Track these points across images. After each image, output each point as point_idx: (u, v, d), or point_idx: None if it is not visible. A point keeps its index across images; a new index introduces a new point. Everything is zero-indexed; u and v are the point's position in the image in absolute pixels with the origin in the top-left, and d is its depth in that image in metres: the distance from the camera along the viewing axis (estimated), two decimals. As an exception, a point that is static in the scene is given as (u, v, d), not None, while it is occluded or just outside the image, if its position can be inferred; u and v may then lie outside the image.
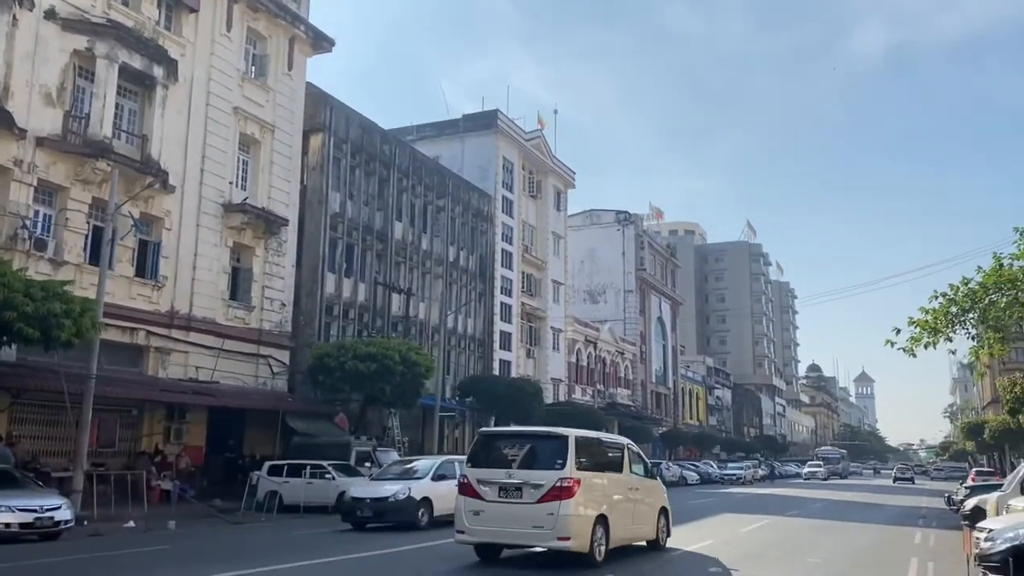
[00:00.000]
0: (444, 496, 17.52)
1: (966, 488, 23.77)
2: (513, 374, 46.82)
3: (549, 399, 51.00)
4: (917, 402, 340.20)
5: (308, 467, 22.92)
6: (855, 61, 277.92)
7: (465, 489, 12.19)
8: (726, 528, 18.37)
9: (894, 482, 63.76)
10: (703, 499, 32.52)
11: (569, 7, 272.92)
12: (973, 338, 22.71)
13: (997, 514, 15.35)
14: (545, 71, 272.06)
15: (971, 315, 21.35)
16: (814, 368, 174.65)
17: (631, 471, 13.66)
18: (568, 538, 11.43)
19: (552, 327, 53.21)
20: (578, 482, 11.66)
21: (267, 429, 28.32)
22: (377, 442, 27.53)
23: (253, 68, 30.38)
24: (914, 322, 21.31)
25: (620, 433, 60.77)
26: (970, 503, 19.73)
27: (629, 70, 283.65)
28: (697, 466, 56.38)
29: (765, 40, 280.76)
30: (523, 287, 50.03)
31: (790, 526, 20.05)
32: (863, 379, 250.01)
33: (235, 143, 28.87)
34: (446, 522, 15.27)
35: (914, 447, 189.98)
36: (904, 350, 21.55)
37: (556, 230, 55.57)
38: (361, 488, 19.12)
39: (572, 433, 12.48)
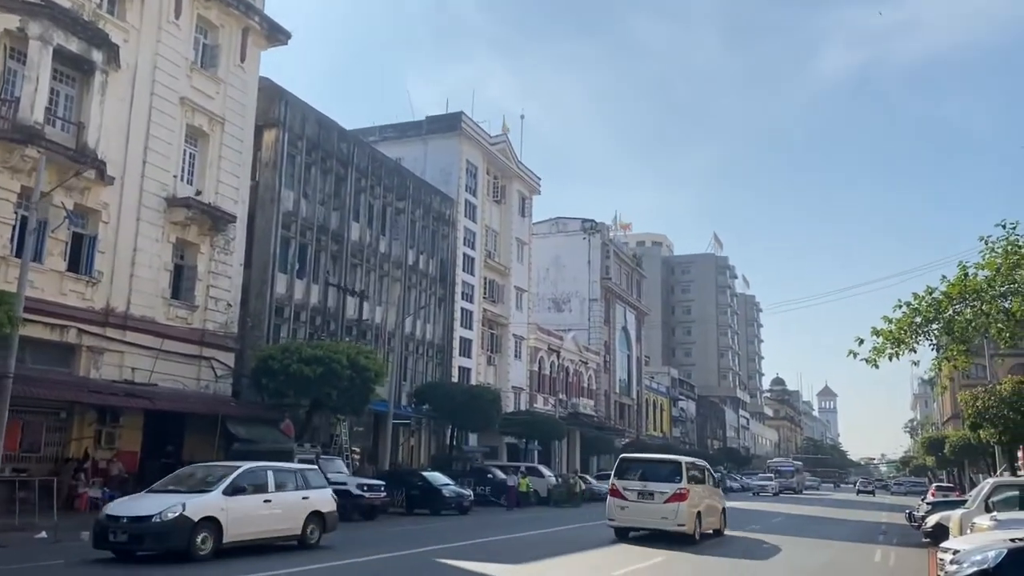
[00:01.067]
0: (243, 517, 14.10)
1: (927, 504, 23.22)
2: (473, 382, 45.81)
3: (510, 407, 50.13)
4: (879, 417, 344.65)
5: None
6: (820, 81, 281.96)
7: (614, 493, 18.86)
8: (681, 542, 17.51)
9: (857, 494, 75.78)
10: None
11: (542, 18, 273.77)
12: (937, 349, 22.19)
13: (961, 532, 14.68)
14: (517, 81, 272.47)
15: (935, 325, 20.84)
16: (778, 381, 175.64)
17: (708, 484, 20.55)
18: (684, 525, 17.88)
19: (514, 334, 52.31)
20: (688, 491, 18.17)
21: (209, 435, 26.95)
22: (323, 450, 26.34)
23: (203, 58, 29.14)
24: (877, 332, 20.73)
25: (581, 443, 60.53)
26: (932, 520, 19.13)
27: (601, 82, 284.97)
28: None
29: (734, 57, 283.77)
30: (485, 293, 49.09)
31: (743, 537, 19.25)
32: (826, 393, 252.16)
33: (181, 135, 27.60)
34: (242, 550, 13.58)
35: (875, 461, 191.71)
36: (867, 361, 20.94)
37: (520, 236, 54.75)
38: (120, 504, 14.50)
39: (683, 460, 19.65)
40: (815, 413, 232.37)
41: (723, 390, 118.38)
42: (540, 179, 57.03)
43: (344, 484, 23.21)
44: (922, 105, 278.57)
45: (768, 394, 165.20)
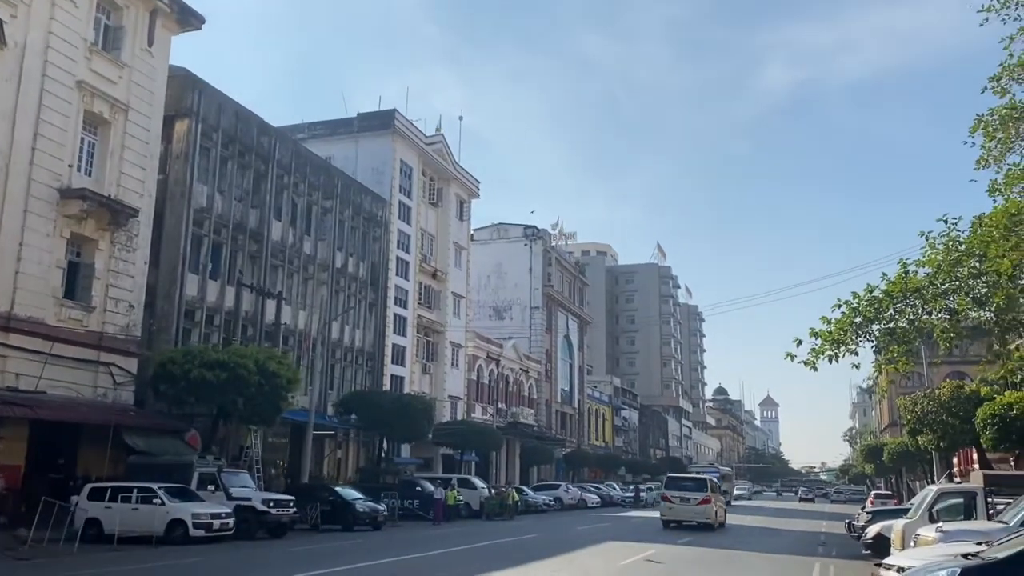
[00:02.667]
0: None
1: (867, 513, 22.22)
2: (407, 390, 43.96)
3: (446, 417, 48.38)
4: (819, 427, 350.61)
5: (135, 491, 19.70)
6: (762, 97, 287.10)
7: (665, 499, 29.73)
8: (602, 561, 16.08)
9: (799, 501, 79.26)
10: (596, 524, 30.45)
11: (492, 32, 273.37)
12: (878, 351, 21.22)
13: (903, 544, 13.52)
14: (465, 92, 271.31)
15: (876, 326, 19.88)
16: (721, 391, 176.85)
17: (718, 493, 31.88)
18: (709, 519, 28.45)
19: (452, 342, 50.60)
20: (711, 498, 29.11)
21: (108, 447, 24.77)
22: (233, 463, 24.33)
23: (105, 40, 26.95)
24: (815, 333, 19.66)
25: (521, 453, 58.91)
26: (872, 530, 18.07)
27: (549, 96, 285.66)
28: (599, 488, 54.48)
29: (680, 74, 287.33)
30: (420, 299, 47.32)
31: (678, 557, 17.92)
32: (768, 403, 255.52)
33: (78, 121, 25.37)
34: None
35: (816, 470, 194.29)
36: (805, 363, 19.81)
37: (458, 241, 53.12)
38: None
39: (707, 478, 32.07)
40: (757, 423, 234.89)
41: (666, 399, 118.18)
42: (479, 182, 55.55)
43: (248, 500, 21.32)
44: (860, 120, 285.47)
45: (711, 403, 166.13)
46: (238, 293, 31.61)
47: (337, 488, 25.77)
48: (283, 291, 34.53)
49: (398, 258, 44.73)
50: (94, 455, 25.18)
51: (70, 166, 24.88)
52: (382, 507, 25.74)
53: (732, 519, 36.59)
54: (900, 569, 9.70)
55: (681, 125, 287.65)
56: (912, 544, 12.52)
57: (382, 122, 44.43)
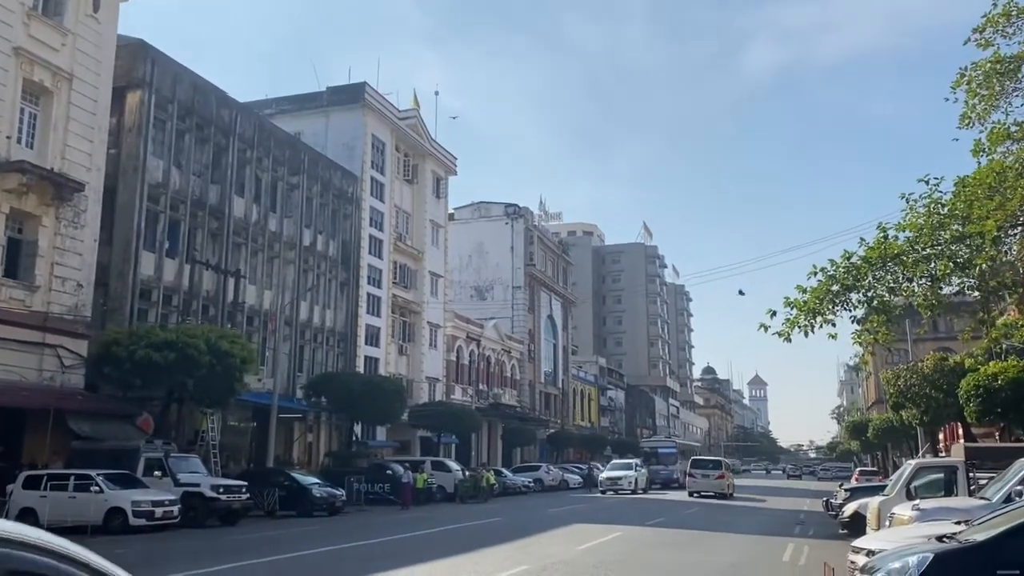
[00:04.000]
0: None
1: (846, 490, 21.31)
2: (382, 372, 42.88)
3: (425, 398, 47.33)
4: (807, 405, 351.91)
5: (72, 478, 18.58)
6: (747, 77, 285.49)
7: (690, 475, 38.80)
8: (561, 545, 15.08)
9: (788, 478, 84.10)
10: (569, 505, 29.51)
11: (475, 13, 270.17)
12: (857, 321, 20.19)
13: (878, 524, 12.55)
14: (450, 75, 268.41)
15: (854, 294, 18.85)
16: (709, 370, 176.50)
17: (729, 470, 41.62)
18: (723, 490, 37.41)
19: (429, 322, 49.45)
20: (725, 474, 38.60)
21: (58, 433, 23.60)
22: (184, 448, 23.21)
23: (44, 5, 25.52)
24: (790, 303, 18.61)
25: (503, 435, 57.94)
26: (849, 508, 17.15)
27: (534, 78, 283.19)
28: (582, 469, 53.62)
29: (664, 54, 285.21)
30: (395, 278, 46.11)
31: (643, 540, 16.93)
32: (756, 382, 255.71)
33: (16, 90, 24.00)
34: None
35: (804, 448, 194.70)
36: (779, 335, 18.79)
37: (435, 219, 51.86)
38: None
39: (723, 460, 44.06)
40: (746, 401, 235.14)
41: (653, 379, 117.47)
42: (456, 159, 54.24)
43: (196, 486, 20.23)
44: (842, 101, 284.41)
45: (699, 383, 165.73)
46: (196, 272, 30.32)
47: (293, 473, 24.70)
48: (247, 270, 33.35)
49: (371, 236, 43.47)
50: (40, 442, 23.99)
51: (8, 138, 23.55)
52: (340, 492, 24.68)
53: (714, 500, 35.82)
54: (870, 552, 8.69)
55: (666, 105, 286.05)
56: (887, 524, 11.55)
57: (352, 96, 43.00)
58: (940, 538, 7.15)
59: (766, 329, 18.88)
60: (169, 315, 29.35)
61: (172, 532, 18.29)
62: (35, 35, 24.61)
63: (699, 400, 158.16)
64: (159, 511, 18.36)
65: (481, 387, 56.17)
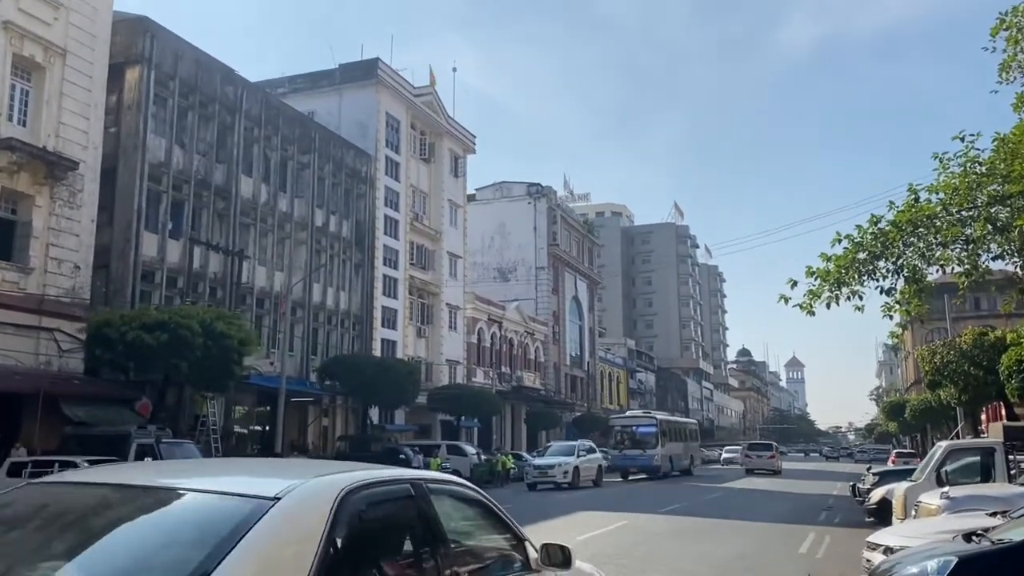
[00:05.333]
0: None
1: (874, 474, 19.87)
2: (399, 355, 42.04)
3: (445, 381, 46.47)
4: (846, 387, 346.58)
5: (56, 465, 17.81)
6: (784, 51, 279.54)
7: (747, 456, 47.92)
8: (560, 535, 13.83)
9: (826, 460, 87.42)
10: (582, 491, 28.34)
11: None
12: (885, 292, 18.69)
13: (904, 513, 11.23)
14: (483, 58, 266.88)
15: (882, 263, 17.36)
16: (744, 352, 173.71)
17: (778, 451, 49.33)
18: (774, 468, 45.06)
19: (448, 304, 48.48)
20: (775, 454, 47.26)
21: (53, 419, 23.00)
22: (186, 433, 22.46)
23: (36, -23, 24.74)
24: (813, 272, 17.19)
25: (526, 418, 56.94)
26: (877, 494, 15.78)
27: (567, 58, 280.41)
28: (606, 452, 52.40)
29: (700, 30, 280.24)
30: (412, 259, 45.15)
31: (650, 529, 15.70)
32: (793, 364, 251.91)
33: (6, 66, 23.24)
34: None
35: (843, 430, 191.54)
36: (801, 307, 17.38)
37: (453, 198, 50.74)
38: None
39: (773, 443, 51.36)
40: (782, 384, 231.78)
41: (686, 361, 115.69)
42: (475, 137, 53.01)
43: (188, 472, 19.41)
44: (883, 74, 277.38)
45: (734, 365, 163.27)
46: (203, 253, 29.57)
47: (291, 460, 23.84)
48: (256, 251, 32.62)
49: (386, 216, 42.49)
50: (46, 428, 23.41)
51: (-1, 115, 22.88)
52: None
53: (741, 483, 34.50)
54: (888, 550, 7.45)
55: (701, 82, 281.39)
56: (913, 513, 10.25)
57: (365, 72, 41.94)
58: (969, 536, 5.89)
59: (786, 301, 17.43)
60: (173, 297, 28.65)
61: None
62: (25, 8, 23.80)
63: (734, 382, 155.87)
64: (144, 499, 17.52)
65: (504, 370, 55.17)
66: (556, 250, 66.76)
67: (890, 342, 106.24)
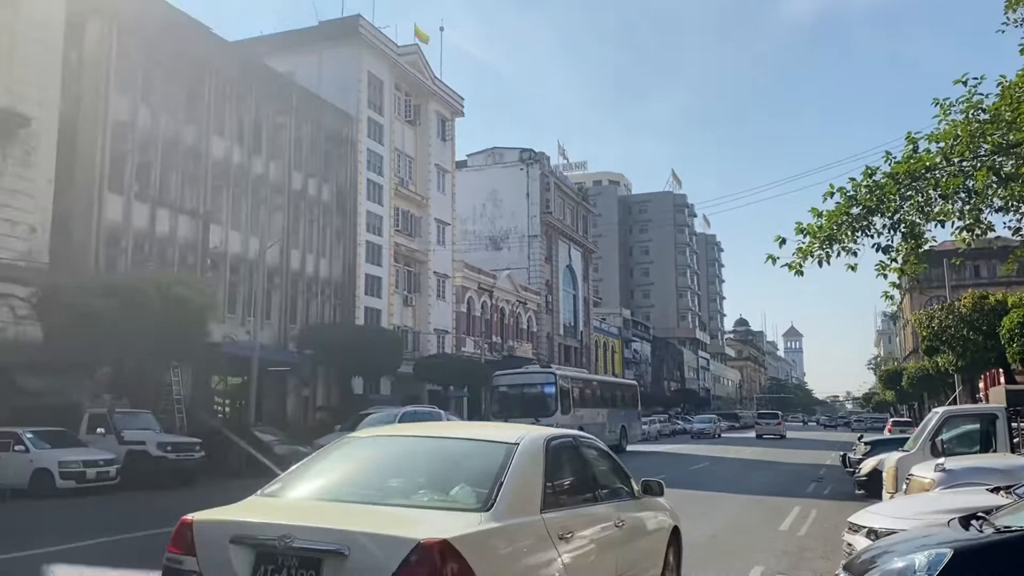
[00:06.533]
0: None
1: (865, 444, 18.85)
2: (385, 324, 40.99)
3: (433, 351, 45.48)
4: (844, 356, 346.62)
5: (-5, 437, 16.84)
6: (782, 24, 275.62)
7: (758, 423, 58.53)
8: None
9: (824, 428, 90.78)
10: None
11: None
12: (881, 249, 17.51)
13: (895, 486, 10.17)
14: (481, 25, 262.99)
15: (877, 218, 16.17)
16: (741, 322, 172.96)
17: (783, 419, 62.59)
18: (781, 432, 55.68)
19: (435, 272, 47.29)
20: (782, 422, 59.48)
21: (9, 390, 21.93)
22: (131, 403, 21.42)
23: (-18, -78, 23.30)
24: (802, 229, 16.01)
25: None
26: (868, 465, 14.78)
27: (567, 28, 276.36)
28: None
29: (699, 1, 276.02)
30: (397, 225, 43.88)
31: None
32: (792, 334, 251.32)
33: (-50, 16, 21.97)
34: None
35: (840, 399, 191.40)
36: (790, 267, 16.24)
37: (441, 163, 49.31)
38: None
39: (779, 412, 65.08)
40: (780, 353, 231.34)
41: (682, 331, 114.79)
42: (463, 99, 51.44)
43: (142, 444, 18.43)
44: (883, 45, 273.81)
45: (731, 335, 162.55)
46: (174, 218, 28.33)
47: (255, 431, 22.76)
48: (229, 215, 31.39)
49: (369, 180, 41.17)
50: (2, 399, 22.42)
51: (-59, 69, 21.57)
52: (306, 450, 22.71)
53: (732, 452, 33.59)
54: (872, 532, 6.35)
55: (700, 55, 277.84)
56: (904, 487, 9.18)
57: (346, 30, 40.34)
58: (967, 520, 4.78)
59: (774, 261, 16.27)
60: (142, 263, 27.48)
61: (109, 495, 16.49)
62: (-30, -45, 22.46)
63: (731, 352, 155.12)
64: (92, 472, 16.56)
65: (495, 339, 54.15)
66: (549, 218, 65.46)
67: (886, 305, 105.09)
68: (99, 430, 18.56)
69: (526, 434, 4.86)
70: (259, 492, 4.56)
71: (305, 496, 4.46)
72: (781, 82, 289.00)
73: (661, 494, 6.43)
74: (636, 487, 6.11)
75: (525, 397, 30.51)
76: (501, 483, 4.24)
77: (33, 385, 20.98)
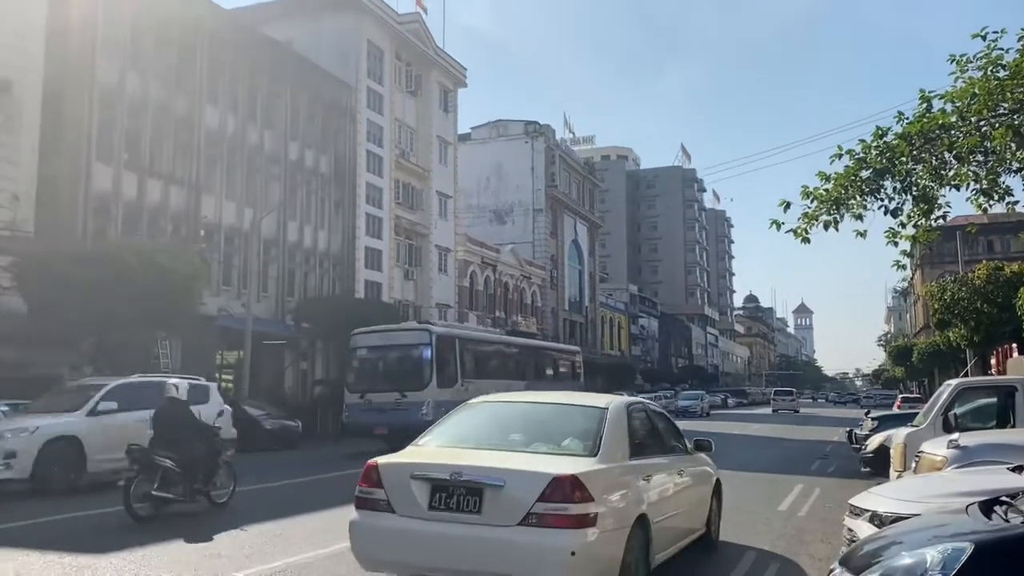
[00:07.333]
0: None
1: (872, 419, 18.11)
2: (385, 298, 40.33)
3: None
4: (854, 333, 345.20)
5: (-30, 409, 16.26)
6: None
7: (774, 400, 65.75)
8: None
9: (834, 405, 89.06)
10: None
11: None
12: (891, 212, 16.64)
13: (904, 464, 9.43)
14: (491, 2, 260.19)
15: (888, 181, 15.31)
16: (751, 299, 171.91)
17: (797, 395, 73.00)
18: (796, 408, 63.02)
19: (437, 246, 46.54)
20: (795, 398, 68.29)
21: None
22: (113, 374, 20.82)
23: None
24: (808, 193, 15.17)
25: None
26: (874, 441, 14.04)
27: (576, 2, 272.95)
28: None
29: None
30: (398, 198, 43.08)
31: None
32: (802, 310, 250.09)
33: (-74, -24, 21.21)
34: None
35: (850, 376, 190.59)
36: (795, 232, 15.42)
37: (443, 135, 48.38)
38: None
39: (793, 389, 74.73)
40: (790, 330, 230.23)
41: (690, 307, 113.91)
42: (466, 69, 50.39)
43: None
44: (896, 20, 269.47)
45: (740, 312, 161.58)
46: (166, 188, 27.63)
47: (244, 405, 22.18)
48: (223, 186, 30.71)
49: (369, 152, 40.33)
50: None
51: (-82, 31, 20.84)
52: (295, 424, 22.28)
53: (736, 428, 32.95)
54: (875, 517, 5.63)
55: (711, 29, 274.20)
56: (914, 465, 8.45)
57: (344, -4, 39.29)
58: (988, 506, 4.05)
59: (778, 227, 15.43)
60: (131, 234, 26.83)
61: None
62: (-54, -88, 21.66)
63: (740, 329, 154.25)
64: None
65: (498, 314, 53.50)
66: (555, 192, 64.51)
67: (897, 281, 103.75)
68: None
69: (612, 400, 6.69)
70: (413, 443, 6.22)
71: (451, 445, 6.06)
72: (792, 55, 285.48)
73: (711, 450, 8.16)
74: (689, 445, 7.78)
75: (389, 363, 23.47)
76: (601, 436, 5.91)
77: (10, 356, 20.44)
